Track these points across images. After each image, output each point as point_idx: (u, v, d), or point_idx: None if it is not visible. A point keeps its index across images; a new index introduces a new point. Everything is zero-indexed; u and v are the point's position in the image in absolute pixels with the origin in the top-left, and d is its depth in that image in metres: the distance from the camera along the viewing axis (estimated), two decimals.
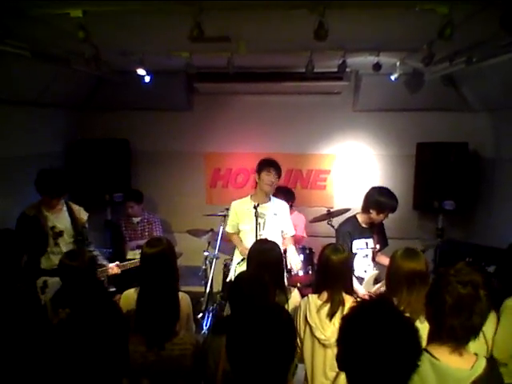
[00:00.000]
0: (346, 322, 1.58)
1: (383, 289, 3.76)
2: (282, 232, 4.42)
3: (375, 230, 4.24)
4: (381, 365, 1.45)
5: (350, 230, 4.18)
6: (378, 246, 4.23)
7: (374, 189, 4.19)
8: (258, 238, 4.08)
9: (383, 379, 1.46)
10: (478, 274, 1.81)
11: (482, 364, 1.77)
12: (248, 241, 4.26)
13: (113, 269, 4.02)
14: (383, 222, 4.30)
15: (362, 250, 4.14)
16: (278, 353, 1.57)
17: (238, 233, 4.44)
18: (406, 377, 1.49)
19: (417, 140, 5.89)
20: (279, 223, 4.36)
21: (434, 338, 1.84)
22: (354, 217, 4.31)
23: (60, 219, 4.08)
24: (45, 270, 3.89)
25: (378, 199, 4.05)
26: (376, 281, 4.02)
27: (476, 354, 1.82)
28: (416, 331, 1.52)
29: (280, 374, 1.60)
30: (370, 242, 4.21)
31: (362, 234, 4.20)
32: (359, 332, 1.50)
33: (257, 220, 4.11)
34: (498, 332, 2.61)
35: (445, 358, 1.77)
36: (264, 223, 4.25)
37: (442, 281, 1.83)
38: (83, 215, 4.23)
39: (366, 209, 4.16)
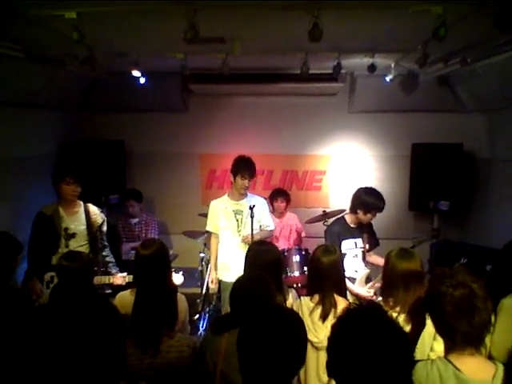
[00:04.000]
0: (335, 329, 1.57)
1: (378, 285, 3.79)
2: (260, 226, 4.47)
3: (365, 230, 4.25)
4: (371, 373, 1.42)
5: (339, 230, 4.19)
6: (367, 246, 4.25)
7: (360, 189, 4.20)
8: (242, 236, 4.33)
9: None
10: (462, 270, 1.82)
11: (501, 373, 1.76)
12: (226, 238, 4.45)
13: (118, 279, 3.91)
14: (372, 222, 4.31)
15: (352, 250, 4.15)
16: (290, 355, 1.59)
17: (217, 233, 4.53)
18: None
19: (412, 141, 5.92)
20: (256, 219, 4.33)
21: (451, 349, 1.84)
22: (343, 217, 4.34)
23: (75, 221, 4.07)
24: (54, 265, 3.86)
25: (365, 199, 4.07)
26: (368, 280, 4.03)
27: (495, 362, 1.81)
28: (408, 339, 1.51)
29: (289, 377, 1.63)
30: (359, 241, 4.22)
31: (351, 234, 4.20)
32: (348, 340, 1.48)
33: (252, 220, 4.17)
34: (496, 331, 2.62)
35: (468, 369, 1.77)
36: (242, 220, 4.38)
37: (432, 293, 1.84)
38: (99, 219, 4.21)
39: (353, 209, 4.19)
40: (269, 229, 4.55)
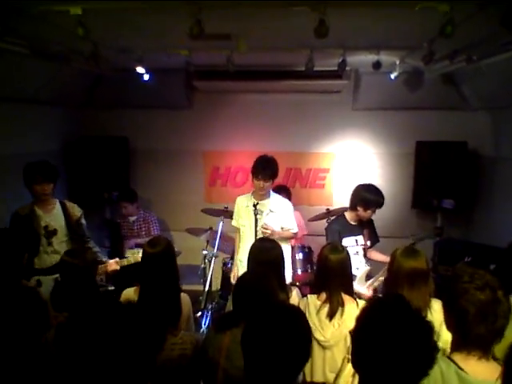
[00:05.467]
0: (360, 320, 1.57)
1: (377, 283, 3.79)
2: (283, 229, 4.35)
3: (365, 227, 4.26)
4: (396, 362, 1.43)
5: (339, 228, 4.20)
6: (368, 243, 4.25)
7: (359, 186, 4.23)
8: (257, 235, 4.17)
9: (398, 377, 1.45)
10: (492, 276, 1.79)
11: None
12: (246, 237, 4.37)
13: (111, 265, 3.89)
14: (373, 218, 4.32)
15: (352, 248, 4.13)
16: (295, 351, 1.60)
17: (239, 229, 4.49)
18: (420, 375, 1.47)
19: (416, 138, 5.89)
20: (277, 220, 4.32)
21: (459, 347, 1.82)
22: (343, 215, 4.35)
23: (53, 218, 4.03)
24: (38, 269, 3.84)
25: (364, 196, 4.09)
26: (368, 277, 4.03)
27: (499, 363, 1.78)
28: (432, 329, 1.50)
29: (294, 373, 1.64)
30: (360, 238, 4.23)
31: (351, 231, 4.21)
32: (374, 330, 1.49)
33: (256, 217, 4.15)
34: None
35: (472, 369, 1.75)
36: (260, 220, 4.26)
37: (458, 289, 1.79)
38: (77, 212, 4.16)
39: (353, 206, 4.20)
40: (292, 231, 4.40)
